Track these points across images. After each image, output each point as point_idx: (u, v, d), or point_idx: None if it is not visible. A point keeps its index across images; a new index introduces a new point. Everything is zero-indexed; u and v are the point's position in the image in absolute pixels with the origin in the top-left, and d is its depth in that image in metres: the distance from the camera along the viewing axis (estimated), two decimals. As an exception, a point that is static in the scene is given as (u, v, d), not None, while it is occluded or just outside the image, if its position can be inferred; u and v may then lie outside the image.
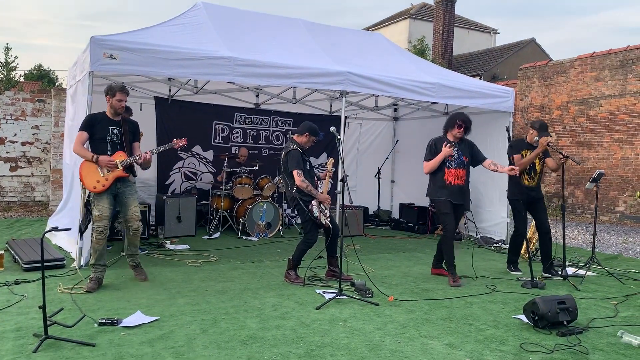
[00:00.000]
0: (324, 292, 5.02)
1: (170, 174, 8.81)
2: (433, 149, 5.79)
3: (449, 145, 5.66)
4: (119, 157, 4.94)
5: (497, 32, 24.99)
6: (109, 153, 4.92)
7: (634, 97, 12.76)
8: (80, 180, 4.90)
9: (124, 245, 6.55)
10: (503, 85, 16.92)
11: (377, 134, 10.70)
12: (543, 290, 5.49)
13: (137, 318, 4.02)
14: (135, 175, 5.20)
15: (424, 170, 5.84)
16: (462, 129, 5.75)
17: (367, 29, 25.44)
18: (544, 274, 6.14)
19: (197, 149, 9.06)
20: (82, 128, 4.98)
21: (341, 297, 4.81)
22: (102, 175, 4.85)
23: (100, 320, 3.87)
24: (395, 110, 10.59)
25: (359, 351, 3.56)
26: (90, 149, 4.95)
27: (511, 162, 6.14)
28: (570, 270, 6.23)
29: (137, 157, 4.99)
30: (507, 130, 6.17)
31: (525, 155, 6.09)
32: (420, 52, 19.08)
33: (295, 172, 5.37)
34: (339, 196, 7.06)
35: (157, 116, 8.54)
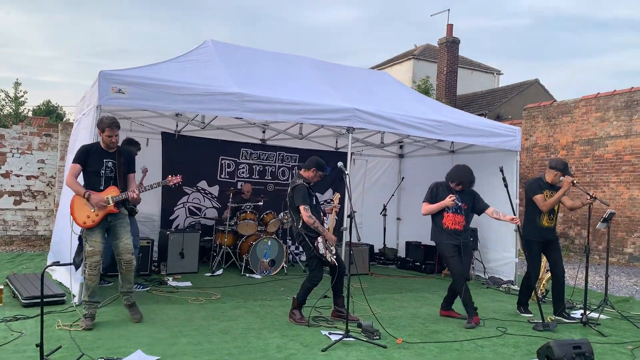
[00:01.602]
0: (329, 334, 4.87)
1: (174, 209, 8.74)
2: (434, 193, 5.80)
3: (452, 196, 5.61)
4: (111, 193, 4.82)
5: (501, 73, 25.26)
6: (102, 187, 4.82)
7: (640, 137, 12.74)
8: (71, 214, 4.79)
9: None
10: (508, 124, 16.99)
11: (383, 171, 10.66)
12: (556, 334, 5.32)
13: (137, 358, 3.89)
14: (127, 208, 5.06)
15: (422, 211, 5.87)
16: (460, 187, 5.73)
17: (372, 69, 25.79)
18: (556, 317, 5.96)
19: (202, 184, 9.02)
20: (75, 160, 4.89)
21: (348, 338, 4.66)
22: (92, 210, 4.73)
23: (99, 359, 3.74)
24: (401, 147, 10.58)
25: (368, 396, 3.41)
26: (84, 182, 4.87)
27: (531, 204, 6.06)
28: (580, 312, 6.03)
29: (123, 195, 4.86)
30: (501, 170, 6.08)
31: (547, 195, 6.01)
32: (425, 91, 19.24)
33: (302, 207, 5.30)
34: (345, 233, 6.96)
35: (164, 151, 8.53)
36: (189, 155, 8.72)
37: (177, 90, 5.85)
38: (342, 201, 5.81)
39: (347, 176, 5.16)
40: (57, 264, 3.79)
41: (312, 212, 5.33)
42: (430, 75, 21.07)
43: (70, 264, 3.82)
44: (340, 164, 5.26)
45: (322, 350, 4.37)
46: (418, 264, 9.39)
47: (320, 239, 5.32)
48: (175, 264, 7.66)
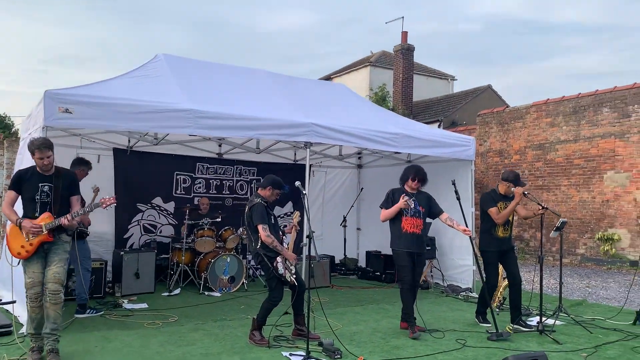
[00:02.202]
0: (290, 355, 4.80)
1: (128, 227, 8.49)
2: (390, 198, 5.88)
3: (405, 197, 5.68)
4: (45, 220, 4.47)
5: (455, 79, 25.78)
6: (37, 214, 4.49)
7: (587, 142, 13.21)
8: (7, 244, 4.52)
9: (76, 307, 6.19)
10: (462, 130, 17.32)
11: (342, 182, 10.67)
12: (513, 343, 5.40)
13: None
14: (73, 233, 4.75)
15: (381, 218, 5.94)
16: (416, 182, 5.84)
17: (329, 76, 25.87)
18: (514, 325, 6.07)
19: (157, 200, 8.79)
20: (10, 186, 4.62)
21: (309, 359, 4.60)
22: (27, 240, 4.42)
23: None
24: (360, 158, 10.61)
25: None
26: (23, 209, 4.57)
27: (486, 215, 6.17)
28: (536, 320, 6.14)
29: (56, 221, 4.48)
30: (453, 183, 6.18)
31: (501, 207, 6.13)
32: (382, 99, 19.44)
33: (260, 227, 5.22)
34: (305, 248, 6.91)
35: (116, 168, 8.28)
36: (142, 172, 8.50)
37: (127, 109, 5.67)
38: (301, 220, 5.76)
39: (305, 196, 5.10)
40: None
41: (271, 231, 5.26)
42: (386, 81, 21.29)
43: (12, 302, 3.59)
44: (297, 183, 5.21)
45: (283, 374, 4.30)
46: (378, 273, 9.42)
47: (279, 259, 5.25)
48: (131, 284, 7.43)
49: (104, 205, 4.74)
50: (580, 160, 13.37)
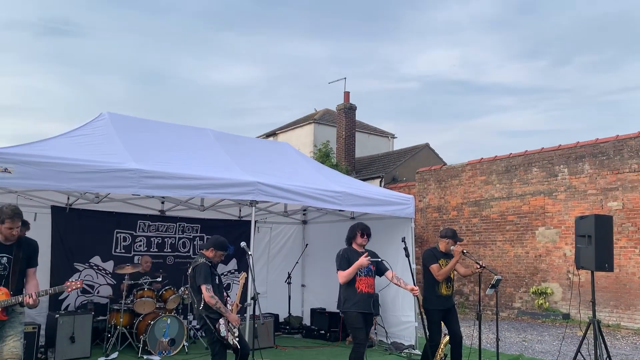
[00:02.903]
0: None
1: (56, 292, 8.11)
2: (346, 258, 5.81)
3: (367, 254, 5.74)
4: (0, 297, 4.17)
5: (395, 137, 26.75)
6: None
7: (519, 199, 13.95)
8: None
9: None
10: (402, 186, 17.89)
11: (287, 238, 10.73)
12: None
13: None
14: (23, 306, 4.35)
15: (340, 280, 5.82)
16: (365, 238, 5.94)
17: (274, 131, 26.27)
18: (455, 382, 6.19)
19: (95, 259, 8.51)
20: None
21: None
22: None
23: None
24: (304, 214, 10.75)
25: None
26: None
27: (428, 273, 6.35)
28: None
29: (19, 298, 4.21)
30: (403, 240, 6.34)
31: (443, 264, 6.34)
32: (325, 155, 19.87)
33: (203, 287, 5.18)
34: (249, 308, 6.85)
35: (53, 227, 8.02)
36: (81, 230, 8.26)
37: (69, 168, 5.60)
38: (246, 281, 5.75)
39: (251, 257, 5.14)
40: None
41: (215, 292, 5.22)
42: (330, 138, 21.83)
43: None
44: (243, 244, 5.26)
45: None
46: (323, 332, 9.39)
47: (222, 321, 5.20)
48: (65, 349, 7.07)
49: (69, 290, 4.53)
50: (514, 217, 14.05)
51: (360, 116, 22.88)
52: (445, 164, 19.42)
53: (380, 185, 18.93)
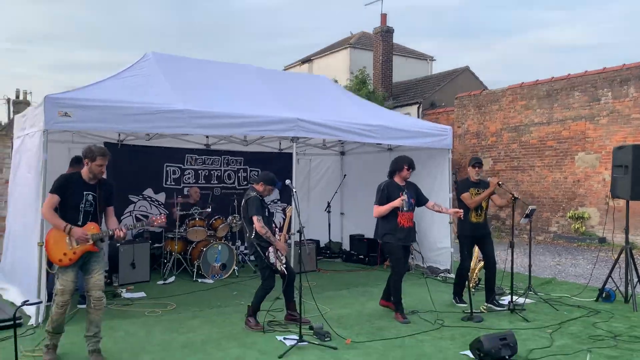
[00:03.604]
0: (284, 339, 5.24)
1: (121, 218, 8.78)
2: (385, 194, 6.09)
3: (403, 196, 6.02)
4: (91, 230, 4.52)
5: (434, 59, 26.18)
6: (80, 223, 4.54)
7: (560, 124, 13.78)
8: (46, 249, 4.59)
9: (79, 297, 6.51)
10: (441, 112, 17.80)
11: (326, 169, 11.08)
12: (486, 322, 5.91)
13: (105, 381, 4.11)
14: (112, 239, 4.79)
15: (374, 214, 6.17)
16: (411, 170, 6.17)
17: (310, 57, 26.03)
18: (487, 304, 6.60)
19: (148, 191, 9.11)
20: (53, 190, 4.53)
21: (302, 343, 5.05)
22: (69, 248, 4.47)
23: (69, 388, 3.94)
24: (342, 145, 11.00)
25: (324, 402, 3.81)
26: (59, 214, 4.54)
27: (460, 202, 6.62)
28: (507, 299, 6.68)
29: (110, 232, 4.62)
30: (455, 173, 6.60)
31: (473, 193, 6.59)
32: (362, 82, 19.75)
33: (255, 218, 5.59)
34: (293, 237, 7.32)
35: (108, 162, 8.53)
36: (133, 164, 8.78)
37: (124, 111, 5.98)
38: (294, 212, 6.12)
39: (296, 194, 5.48)
40: (27, 302, 3.86)
41: (265, 223, 5.64)
42: (366, 62, 21.57)
43: (39, 303, 3.90)
44: (288, 182, 5.59)
45: (279, 357, 4.73)
46: (362, 256, 9.91)
47: (271, 249, 5.65)
48: (127, 274, 7.79)
49: (155, 223, 4.93)
50: (553, 142, 13.96)
51: (397, 38, 22.48)
52: (485, 88, 19.10)
53: (418, 112, 18.87)
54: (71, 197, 4.52)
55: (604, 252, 10.85)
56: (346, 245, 10.71)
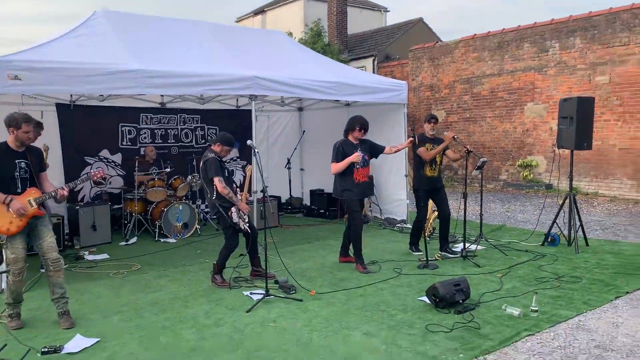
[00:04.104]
0: (251, 294, 5.43)
1: (82, 184, 8.64)
2: (340, 151, 6.28)
3: (358, 153, 6.20)
4: (32, 195, 4.54)
5: (387, 10, 26.03)
6: (19, 190, 4.53)
7: (510, 75, 14.16)
8: None
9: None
10: (396, 65, 17.92)
11: (285, 125, 11.11)
12: (440, 269, 6.27)
13: (78, 342, 4.21)
14: (57, 200, 4.77)
15: (332, 171, 6.36)
16: (363, 132, 6.34)
17: (262, 9, 25.43)
18: (442, 252, 6.97)
19: (104, 152, 8.95)
20: None
21: (268, 297, 5.25)
22: (15, 216, 4.47)
23: (42, 350, 4.02)
24: (300, 101, 11.01)
25: (292, 351, 4.04)
26: None
27: (416, 156, 6.86)
28: (460, 246, 7.07)
29: (52, 193, 4.60)
30: (412, 129, 6.79)
31: (429, 147, 6.83)
32: (317, 34, 19.55)
33: (216, 179, 5.64)
34: (255, 196, 7.43)
35: (60, 123, 8.33)
36: (87, 125, 8.59)
37: (76, 72, 5.83)
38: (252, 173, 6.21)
39: (258, 154, 5.55)
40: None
41: (226, 183, 5.71)
42: (321, 15, 21.29)
43: (5, 272, 3.91)
44: (249, 142, 5.64)
45: (247, 312, 4.93)
46: (322, 211, 10.15)
47: (233, 209, 5.75)
48: (89, 236, 7.76)
49: (94, 178, 4.89)
50: (504, 93, 14.37)
51: (351, -11, 22.10)
52: (438, 40, 19.26)
53: (373, 64, 18.93)
54: (4, 168, 4.50)
55: (550, 198, 11.43)
56: (307, 200, 10.92)
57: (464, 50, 15.31)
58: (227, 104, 10.03)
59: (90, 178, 4.91)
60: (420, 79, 16.58)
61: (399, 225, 9.01)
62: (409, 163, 8.61)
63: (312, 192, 10.61)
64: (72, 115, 8.47)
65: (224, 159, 5.95)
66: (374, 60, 19.08)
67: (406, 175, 9.10)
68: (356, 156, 6.17)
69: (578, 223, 7.24)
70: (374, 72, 18.16)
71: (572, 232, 7.19)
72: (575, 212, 7.24)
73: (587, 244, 7.27)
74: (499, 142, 14.59)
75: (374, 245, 7.70)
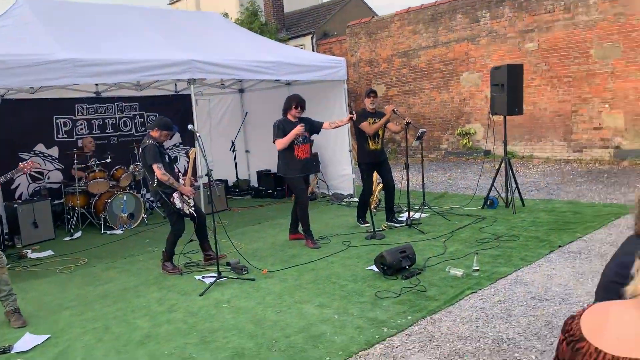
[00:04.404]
0: (203, 277, 5.46)
1: (14, 178, 8.31)
2: (281, 128, 6.33)
3: (300, 126, 6.26)
4: None
5: (323, -14, 25.95)
6: None
7: (445, 47, 14.50)
8: None
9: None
10: (334, 41, 17.99)
11: (226, 108, 11.02)
12: (387, 238, 6.48)
13: (28, 340, 4.13)
14: None
15: (278, 147, 6.37)
16: (299, 110, 6.40)
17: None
18: (388, 223, 7.19)
19: (39, 147, 8.62)
20: None
21: (221, 279, 5.30)
22: None
23: (-10, 352, 3.94)
24: (240, 82, 10.92)
25: (247, 328, 4.13)
26: None
27: (358, 130, 6.99)
28: (405, 215, 7.31)
29: None
30: (351, 112, 6.91)
31: (371, 122, 6.96)
32: (253, 14, 19.29)
33: (155, 166, 5.57)
34: (201, 180, 7.39)
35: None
36: (19, 120, 8.25)
37: (2, 65, 5.57)
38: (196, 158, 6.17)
39: (200, 138, 5.52)
40: None
41: (166, 169, 5.64)
42: (256, -6, 21.01)
43: None
44: (190, 126, 5.59)
45: (200, 295, 4.96)
46: (270, 191, 10.19)
47: (176, 194, 5.68)
48: (30, 234, 7.52)
49: (25, 171, 4.77)
50: (440, 65, 14.72)
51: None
52: (375, 15, 19.43)
53: (312, 42, 18.91)
54: None
55: (488, 164, 11.93)
56: (254, 182, 10.93)
57: (400, 24, 15.53)
58: (165, 89, 9.83)
59: (21, 171, 4.79)
60: (359, 55, 16.72)
61: (347, 199, 9.19)
62: (352, 138, 8.75)
63: (259, 173, 10.62)
64: (2, 110, 8.10)
65: (164, 145, 5.89)
66: (312, 38, 19.06)
67: (350, 150, 9.25)
68: (299, 128, 6.23)
69: (514, 185, 7.61)
70: (313, 50, 18.16)
71: (509, 194, 7.55)
72: (511, 175, 7.60)
73: (523, 205, 7.67)
74: (438, 112, 14.98)
75: (323, 220, 7.84)
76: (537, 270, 4.98)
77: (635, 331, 1.41)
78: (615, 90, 11.42)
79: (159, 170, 5.55)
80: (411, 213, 7.22)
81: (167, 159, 5.84)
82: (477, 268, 4.96)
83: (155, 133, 5.72)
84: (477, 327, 3.85)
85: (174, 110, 9.55)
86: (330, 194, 9.62)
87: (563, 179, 9.87)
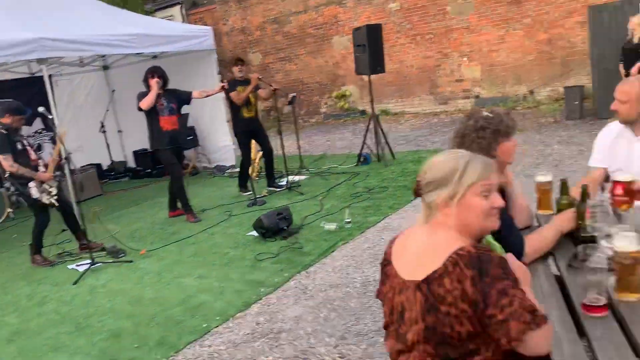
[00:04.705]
0: (77, 266, 5.24)
1: None
2: (143, 95, 6.15)
3: (161, 99, 6.11)
4: None
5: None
6: None
7: (315, 11, 14.66)
8: None
9: None
10: (203, 11, 17.49)
11: (91, 87, 10.38)
12: (268, 204, 6.60)
13: None
14: None
15: (143, 107, 6.12)
16: (157, 78, 6.14)
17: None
18: (269, 188, 7.30)
19: None
20: None
21: (95, 265, 5.11)
22: None
23: None
24: (104, 59, 10.32)
25: (124, 309, 4.06)
26: None
27: (230, 100, 6.95)
28: (285, 180, 7.47)
29: None
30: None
31: (240, 90, 6.93)
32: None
33: (1, 158, 5.15)
34: (64, 167, 6.98)
35: None
36: None
37: None
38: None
39: (52, 120, 5.20)
40: None
41: (18, 159, 5.21)
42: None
43: None
44: (41, 109, 5.21)
45: (74, 284, 4.77)
46: (149, 170, 9.86)
47: (32, 184, 5.23)
48: None
49: None
50: (312, 30, 14.88)
51: None
52: (243, -19, 19.04)
53: (182, 13, 18.22)
54: None
55: (364, 123, 12.38)
56: (132, 163, 10.50)
57: (268, -11, 15.41)
58: (18, 72, 9.04)
59: None
60: (231, 23, 16.42)
61: (229, 171, 9.15)
62: (228, 108, 8.69)
63: (136, 153, 10.23)
64: None
65: (21, 131, 5.47)
66: (181, 9, 18.33)
67: (228, 121, 9.16)
68: (155, 82, 6.04)
69: (383, 140, 8.02)
70: (183, 21, 17.51)
71: (379, 149, 7.95)
72: (381, 131, 7.99)
73: (393, 158, 8.11)
74: (314, 77, 15.22)
75: (206, 194, 7.77)
76: (403, 216, 5.36)
77: (417, 256, 1.60)
78: (471, 44, 12.28)
79: (5, 162, 5.11)
80: (290, 176, 7.37)
81: (20, 146, 5.41)
82: (349, 220, 5.24)
83: (7, 119, 5.27)
84: (347, 274, 4.10)
85: (30, 94, 8.78)
86: (213, 167, 9.53)
87: (431, 131, 10.55)
